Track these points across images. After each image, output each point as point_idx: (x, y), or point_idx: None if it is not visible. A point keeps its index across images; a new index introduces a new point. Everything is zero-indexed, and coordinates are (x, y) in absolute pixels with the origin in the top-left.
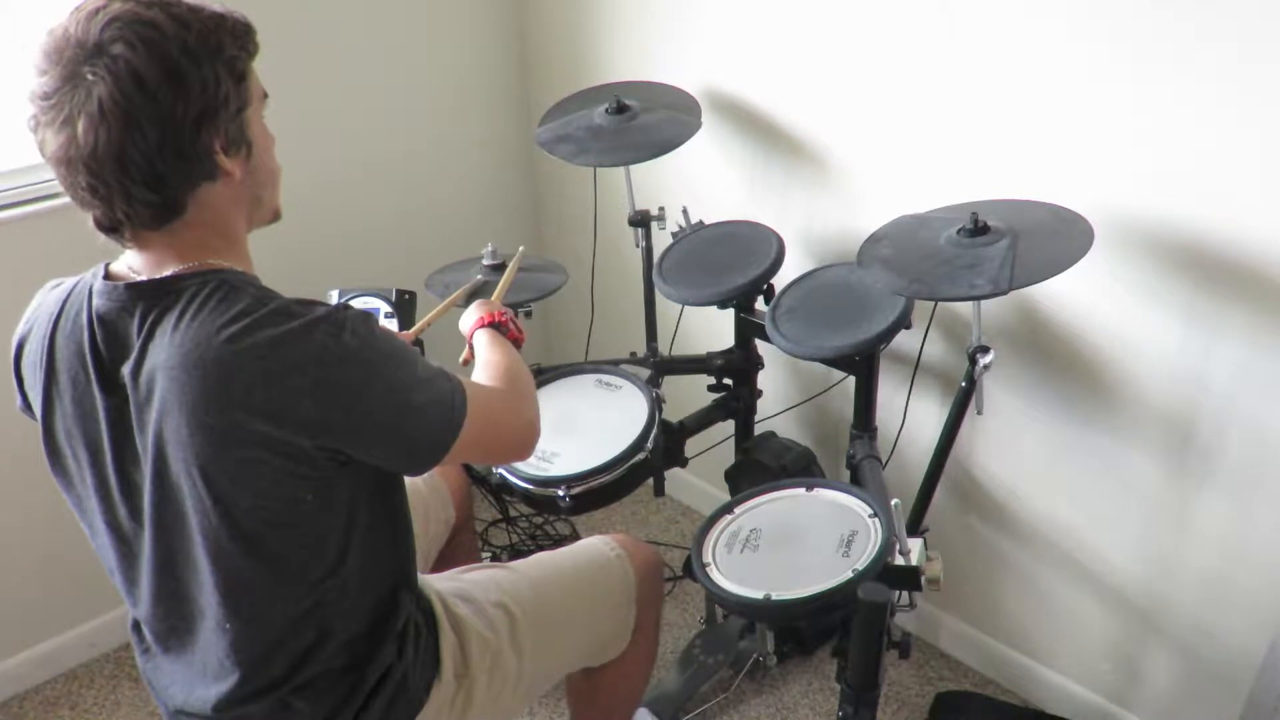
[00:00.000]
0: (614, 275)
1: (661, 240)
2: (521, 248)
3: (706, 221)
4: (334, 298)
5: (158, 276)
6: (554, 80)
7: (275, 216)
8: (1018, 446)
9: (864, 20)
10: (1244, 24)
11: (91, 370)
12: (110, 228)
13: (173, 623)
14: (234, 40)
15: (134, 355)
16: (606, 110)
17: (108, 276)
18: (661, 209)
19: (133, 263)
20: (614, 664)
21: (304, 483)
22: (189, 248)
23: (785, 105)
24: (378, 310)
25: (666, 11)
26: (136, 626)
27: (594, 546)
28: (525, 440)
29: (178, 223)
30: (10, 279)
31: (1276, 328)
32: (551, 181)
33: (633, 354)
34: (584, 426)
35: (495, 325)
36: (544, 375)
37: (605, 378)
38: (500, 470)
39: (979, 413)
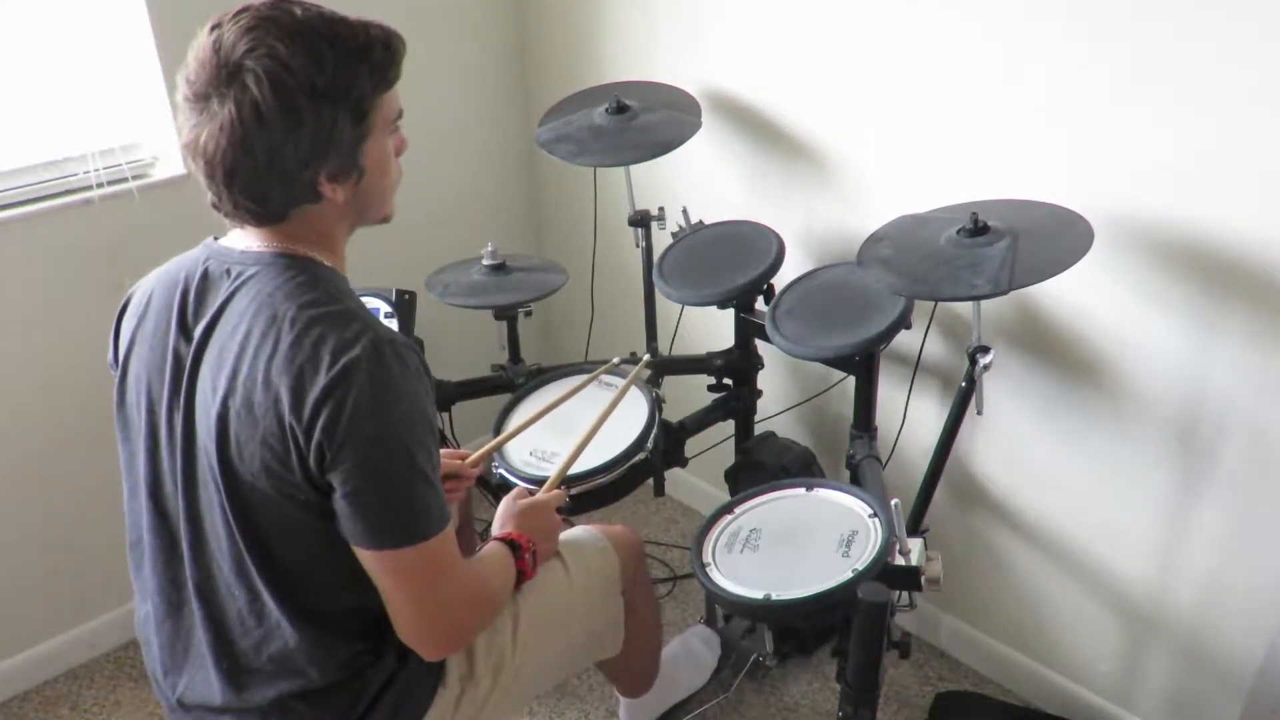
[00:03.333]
0: (614, 275)
1: (661, 240)
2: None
3: (706, 221)
4: None
5: (259, 250)
6: (554, 80)
7: (384, 220)
8: (1018, 446)
9: (864, 20)
10: (1244, 24)
11: (175, 318)
12: (219, 209)
13: (174, 597)
14: (372, 74)
15: (212, 311)
16: (606, 110)
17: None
18: (661, 209)
19: (238, 236)
20: (618, 655)
21: (296, 486)
22: (286, 238)
23: (785, 105)
24: (377, 311)
25: (666, 11)
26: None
27: (584, 538)
28: (447, 622)
29: (278, 225)
30: (10, 279)
31: (1276, 328)
32: (551, 181)
33: (633, 354)
34: (584, 426)
35: (514, 546)
36: (544, 375)
37: (605, 378)
38: (500, 470)
39: (979, 413)
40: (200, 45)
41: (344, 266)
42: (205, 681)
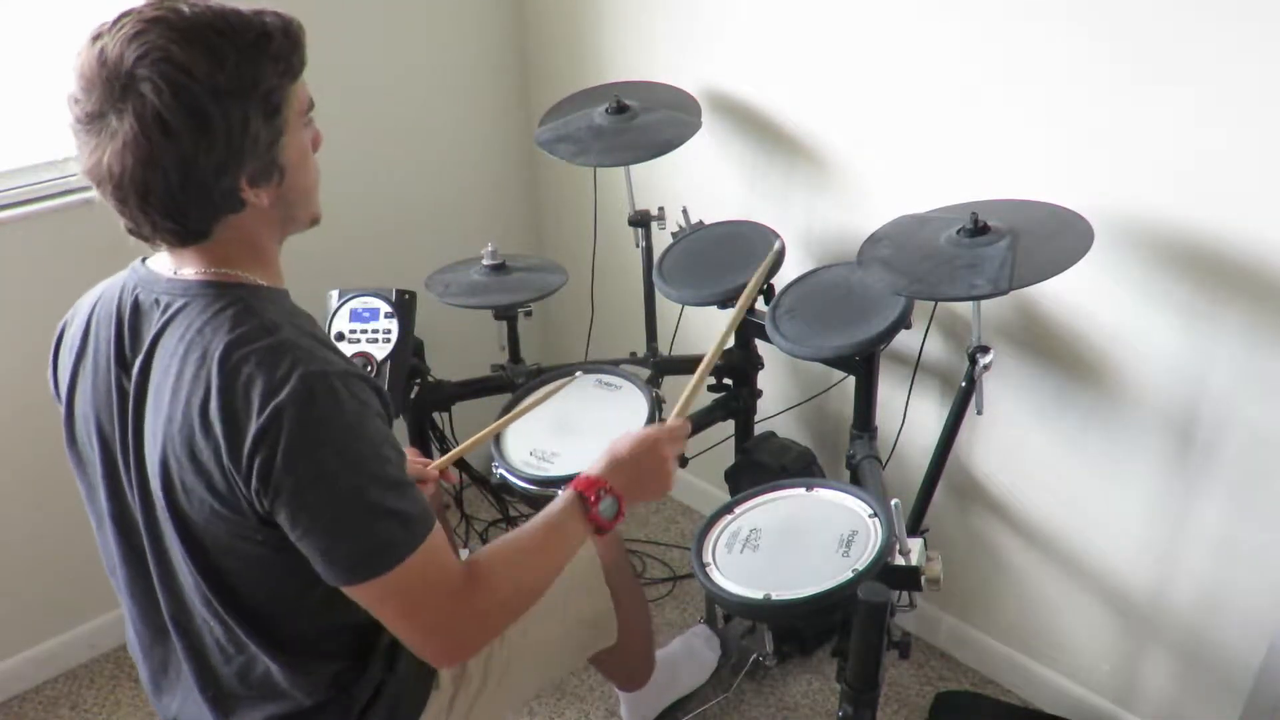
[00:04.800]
0: (614, 275)
1: (661, 240)
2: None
3: (706, 221)
4: (334, 298)
5: (187, 278)
6: (554, 80)
7: (313, 223)
8: (1018, 446)
9: (864, 20)
10: (1244, 23)
11: (113, 354)
12: (138, 235)
13: (156, 623)
14: (275, 66)
15: (145, 346)
16: (606, 110)
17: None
18: (661, 209)
19: (165, 259)
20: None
21: (250, 528)
22: (216, 259)
23: (785, 105)
24: (376, 312)
25: (666, 11)
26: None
27: None
28: (448, 633)
29: (205, 242)
30: (10, 279)
31: (1276, 328)
32: (551, 181)
33: (633, 354)
34: (584, 426)
35: (582, 498)
36: (543, 375)
37: (605, 378)
38: (500, 470)
39: (979, 413)
40: (84, 61)
41: (280, 280)
42: (195, 704)
